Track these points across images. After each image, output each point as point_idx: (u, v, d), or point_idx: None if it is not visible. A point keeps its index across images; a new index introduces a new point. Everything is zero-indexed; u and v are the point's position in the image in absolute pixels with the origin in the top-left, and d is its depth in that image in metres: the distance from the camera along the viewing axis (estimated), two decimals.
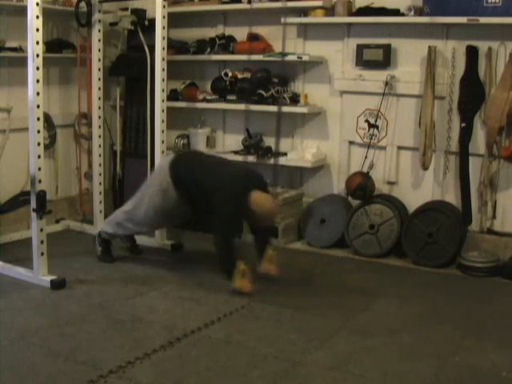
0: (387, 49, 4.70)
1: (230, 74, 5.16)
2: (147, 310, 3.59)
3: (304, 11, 4.97)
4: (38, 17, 3.71)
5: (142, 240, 4.72)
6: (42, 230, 3.88)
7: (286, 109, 4.98)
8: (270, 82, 5.05)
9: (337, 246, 4.85)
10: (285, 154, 5.12)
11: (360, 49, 4.79)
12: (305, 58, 4.88)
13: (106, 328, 3.32)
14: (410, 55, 4.68)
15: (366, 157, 4.84)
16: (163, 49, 4.55)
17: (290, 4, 4.87)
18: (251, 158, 5.10)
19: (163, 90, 4.61)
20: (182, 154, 4.43)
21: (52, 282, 3.86)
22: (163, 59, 4.56)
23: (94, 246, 4.47)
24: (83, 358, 2.95)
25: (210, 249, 4.59)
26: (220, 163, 4.24)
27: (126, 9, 5.32)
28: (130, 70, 5.38)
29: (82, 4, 4.92)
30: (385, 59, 4.70)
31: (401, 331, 3.34)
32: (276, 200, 4.21)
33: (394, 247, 4.65)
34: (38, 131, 3.82)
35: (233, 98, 5.22)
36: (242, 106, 5.14)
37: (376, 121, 4.83)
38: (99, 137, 5.08)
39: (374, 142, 4.86)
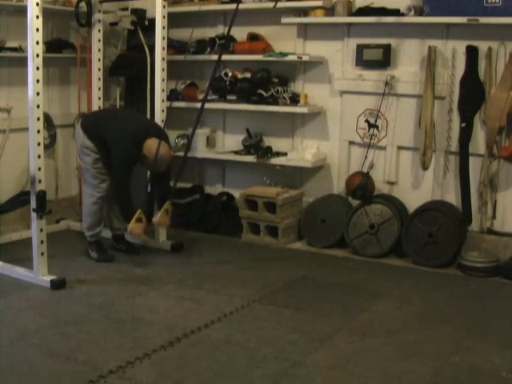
0: (387, 49, 4.70)
1: (230, 74, 5.16)
2: (147, 310, 3.59)
3: (304, 11, 4.97)
4: (37, 17, 3.71)
5: (139, 240, 4.71)
6: (42, 230, 3.88)
7: (285, 109, 4.98)
8: (270, 82, 5.05)
9: (337, 246, 4.85)
10: (285, 154, 5.12)
11: (360, 49, 4.79)
12: (305, 57, 4.87)
13: (106, 328, 3.32)
14: (410, 55, 4.68)
15: (365, 157, 4.83)
16: (163, 49, 4.55)
17: (289, 4, 4.87)
18: (251, 158, 5.11)
19: (163, 90, 4.61)
20: (90, 113, 4.84)
21: (52, 282, 3.86)
22: (163, 59, 4.57)
23: (89, 255, 4.48)
24: (83, 358, 2.95)
25: (210, 249, 4.60)
26: (119, 116, 4.54)
27: (126, 9, 5.32)
28: (130, 70, 5.38)
29: (82, 4, 4.92)
30: (385, 59, 4.70)
31: (401, 331, 3.34)
32: (170, 150, 4.44)
33: (394, 247, 4.65)
34: (38, 131, 3.82)
35: (233, 98, 5.22)
36: (241, 106, 5.14)
37: (376, 121, 4.83)
38: None
39: (373, 141, 4.86)
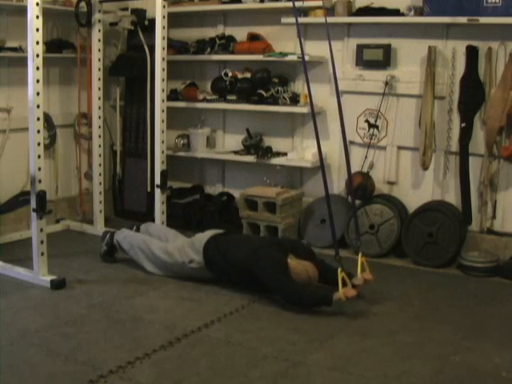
0: (387, 49, 4.70)
1: (230, 74, 5.16)
2: (147, 310, 3.59)
3: (304, 11, 4.97)
4: (37, 17, 3.72)
5: None
6: (42, 230, 3.88)
7: (285, 109, 4.98)
8: (270, 82, 5.05)
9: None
10: (285, 154, 5.12)
11: (360, 49, 4.79)
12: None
13: (106, 328, 3.32)
14: (410, 55, 4.67)
15: (366, 157, 4.83)
16: (163, 49, 4.55)
17: (290, 4, 4.85)
18: (251, 158, 5.11)
19: (163, 90, 4.61)
20: (216, 237, 4.10)
21: (52, 282, 3.86)
22: (163, 59, 4.57)
23: (100, 242, 4.44)
24: (83, 358, 2.95)
25: None
26: (249, 239, 4.20)
27: (126, 9, 5.32)
28: (129, 70, 5.38)
29: (82, 4, 4.92)
30: (385, 59, 4.70)
31: (401, 331, 3.34)
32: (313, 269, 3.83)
33: (394, 247, 4.65)
34: (38, 131, 3.82)
35: (233, 98, 5.22)
36: (241, 106, 5.14)
37: (376, 121, 4.83)
38: (99, 137, 5.09)
39: (374, 142, 4.86)
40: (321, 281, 3.84)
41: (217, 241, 4.00)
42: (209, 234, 4.10)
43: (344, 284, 3.56)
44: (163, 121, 4.65)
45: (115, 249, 4.42)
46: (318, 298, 3.60)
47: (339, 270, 3.59)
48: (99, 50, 5.00)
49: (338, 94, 4.03)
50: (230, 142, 5.49)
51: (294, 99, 5.02)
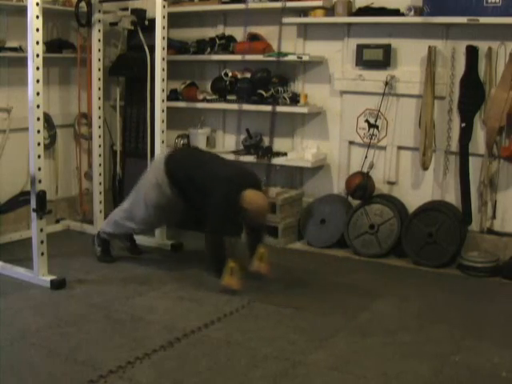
0: (387, 49, 4.70)
1: (230, 74, 5.16)
2: (147, 310, 3.59)
3: (304, 11, 4.97)
4: (37, 17, 3.72)
5: (141, 240, 4.72)
6: (41, 230, 3.88)
7: (286, 109, 4.98)
8: (270, 82, 5.05)
9: (337, 246, 4.85)
10: (285, 154, 5.12)
11: (360, 49, 4.79)
12: (305, 57, 4.88)
13: (106, 328, 3.32)
14: (410, 55, 4.67)
15: (366, 157, 4.83)
16: (163, 49, 4.55)
17: (289, 4, 4.86)
18: (251, 158, 5.11)
19: (163, 90, 4.61)
20: (177, 151, 4.38)
21: (52, 282, 3.86)
22: (163, 59, 4.57)
23: (92, 247, 4.47)
24: (83, 358, 2.95)
25: None
26: (215, 161, 4.25)
27: (126, 9, 5.32)
28: (130, 70, 5.38)
29: (82, 4, 4.92)
30: (385, 59, 4.70)
31: (400, 331, 3.34)
32: (268, 198, 4.19)
33: (394, 247, 4.65)
34: (38, 131, 3.82)
35: (233, 98, 5.22)
36: (242, 106, 5.14)
37: (376, 121, 4.83)
38: (99, 137, 5.09)
39: (374, 142, 4.86)
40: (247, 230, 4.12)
41: (178, 153, 4.30)
42: (162, 155, 4.33)
43: (232, 272, 3.80)
44: (163, 121, 4.65)
45: (108, 243, 4.43)
46: (215, 266, 3.92)
47: (231, 260, 3.79)
48: (99, 50, 4.99)
49: None
50: (230, 142, 5.49)
51: (294, 99, 5.02)
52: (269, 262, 4.04)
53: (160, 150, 4.64)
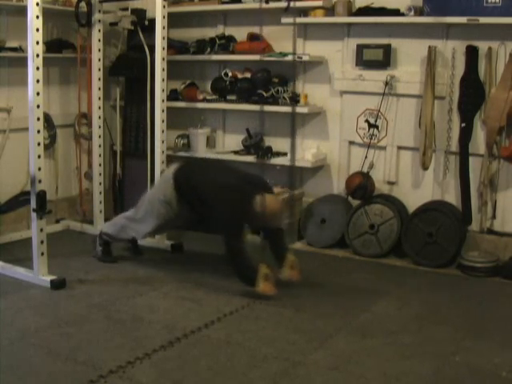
0: (387, 49, 4.69)
1: (230, 74, 5.16)
2: (147, 310, 3.59)
3: (304, 11, 4.97)
4: (37, 17, 3.71)
5: (142, 241, 4.70)
6: (42, 230, 3.88)
7: (285, 109, 4.98)
8: (270, 82, 5.05)
9: (337, 246, 4.85)
10: (285, 154, 5.12)
11: (360, 49, 4.79)
12: (305, 57, 4.87)
13: (106, 328, 3.32)
14: (410, 55, 4.67)
15: (366, 157, 4.83)
16: (163, 49, 4.55)
17: (290, 4, 4.86)
18: (251, 158, 5.11)
19: (163, 90, 4.61)
20: (185, 165, 4.25)
21: (52, 282, 3.86)
22: (163, 59, 4.57)
23: (94, 247, 4.47)
24: (83, 358, 2.95)
25: (210, 249, 4.60)
26: (222, 171, 4.21)
27: (126, 9, 5.32)
28: (130, 70, 5.38)
29: (82, 4, 4.92)
30: (385, 59, 4.70)
31: (401, 331, 3.34)
32: (282, 199, 4.16)
33: (394, 247, 4.65)
34: (38, 131, 3.82)
35: (233, 98, 5.22)
36: (241, 106, 5.15)
37: (376, 121, 4.83)
38: (99, 137, 5.09)
39: (374, 142, 4.86)
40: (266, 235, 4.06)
41: (186, 167, 4.16)
42: (176, 164, 4.22)
43: (266, 277, 3.70)
44: (163, 121, 4.65)
45: (109, 244, 4.43)
46: (246, 276, 3.78)
47: (264, 266, 3.71)
48: (99, 50, 4.99)
49: None
50: (230, 142, 5.49)
51: (294, 99, 5.02)
52: (300, 268, 3.96)
53: (160, 150, 4.64)
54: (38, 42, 3.73)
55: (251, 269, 3.75)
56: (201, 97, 5.36)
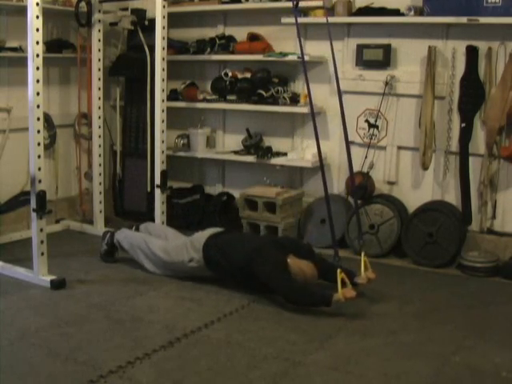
0: (387, 49, 4.70)
1: (229, 74, 5.16)
2: (147, 310, 3.59)
3: (304, 11, 4.97)
4: (37, 17, 3.72)
5: None
6: (41, 230, 3.88)
7: (285, 109, 4.98)
8: (270, 81, 5.05)
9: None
10: (285, 154, 5.12)
11: (360, 49, 4.79)
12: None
13: (106, 328, 3.32)
14: (410, 55, 4.67)
15: (366, 157, 4.83)
16: (163, 49, 4.55)
17: (290, 4, 4.85)
18: (251, 158, 5.11)
19: (163, 90, 4.61)
20: (213, 239, 4.02)
21: (52, 282, 3.86)
22: (163, 59, 4.57)
23: (101, 241, 4.44)
24: (83, 358, 2.95)
25: None
26: (250, 238, 4.23)
27: (126, 9, 5.32)
28: (130, 70, 5.38)
29: (82, 4, 4.92)
30: (385, 59, 4.70)
31: (401, 331, 3.34)
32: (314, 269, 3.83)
33: (394, 247, 4.65)
34: (38, 131, 3.82)
35: (233, 98, 5.22)
36: (241, 106, 5.15)
37: (376, 121, 4.83)
38: (99, 137, 5.09)
39: (374, 142, 4.86)
40: (321, 279, 3.85)
41: (216, 239, 3.99)
42: (208, 232, 4.10)
43: (343, 285, 3.55)
44: (163, 121, 4.65)
45: (116, 248, 4.42)
46: (318, 298, 3.60)
47: (339, 270, 3.58)
48: (99, 50, 4.99)
49: (340, 96, 4.03)
50: (230, 142, 5.49)
51: (294, 99, 5.02)
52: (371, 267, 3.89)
53: (160, 150, 4.64)
54: (37, 42, 3.74)
55: (316, 294, 3.63)
56: (201, 97, 5.36)
